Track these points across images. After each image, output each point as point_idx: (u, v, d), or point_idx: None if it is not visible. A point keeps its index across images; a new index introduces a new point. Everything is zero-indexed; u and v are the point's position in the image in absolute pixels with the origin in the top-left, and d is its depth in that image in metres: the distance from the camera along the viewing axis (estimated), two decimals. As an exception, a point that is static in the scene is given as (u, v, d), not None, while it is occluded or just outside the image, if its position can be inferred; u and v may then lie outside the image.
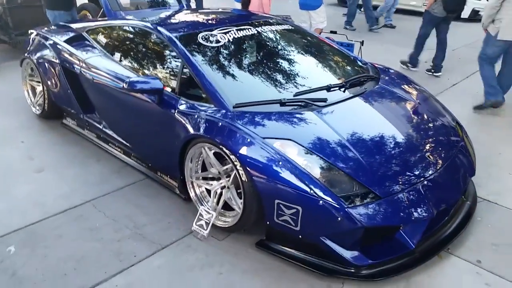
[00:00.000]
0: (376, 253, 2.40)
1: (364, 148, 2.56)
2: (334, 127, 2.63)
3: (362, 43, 4.43)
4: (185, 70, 3.00)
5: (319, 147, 2.49)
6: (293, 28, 3.73)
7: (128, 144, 3.45)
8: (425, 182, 2.51)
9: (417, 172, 2.55)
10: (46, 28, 4.51)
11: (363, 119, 2.82)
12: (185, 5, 4.47)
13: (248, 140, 2.47)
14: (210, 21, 3.66)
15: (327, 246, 2.34)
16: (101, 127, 3.72)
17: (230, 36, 3.28)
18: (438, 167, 2.64)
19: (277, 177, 2.35)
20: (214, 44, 3.19)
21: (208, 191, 2.87)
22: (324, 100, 2.83)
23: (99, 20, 4.20)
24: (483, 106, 4.76)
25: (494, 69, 4.78)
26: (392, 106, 3.03)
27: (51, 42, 4.08)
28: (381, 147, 2.62)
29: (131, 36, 3.63)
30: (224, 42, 3.22)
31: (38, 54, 4.14)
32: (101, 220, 2.90)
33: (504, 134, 4.36)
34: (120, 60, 3.51)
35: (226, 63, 3.12)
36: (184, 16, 3.94)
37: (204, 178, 2.87)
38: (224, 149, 2.53)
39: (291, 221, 2.37)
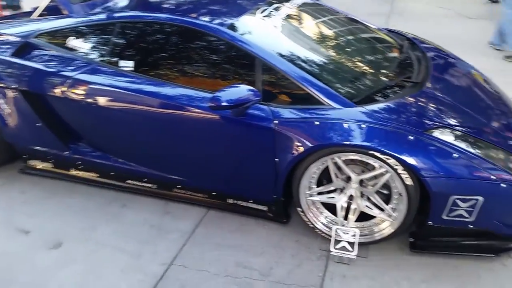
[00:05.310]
0: None
1: (492, 119, 2.51)
2: (457, 103, 2.49)
3: None
4: (265, 70, 2.38)
5: (465, 127, 2.31)
6: (313, 1, 3.31)
7: (174, 176, 2.67)
8: None
9: None
10: None
11: (461, 90, 2.76)
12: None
13: (411, 137, 2.13)
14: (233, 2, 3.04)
15: (499, 227, 2.25)
16: (110, 162, 2.79)
17: (279, 20, 2.73)
18: None
19: (454, 171, 2.10)
20: (276, 30, 2.64)
21: (328, 208, 2.45)
22: (414, 78, 2.64)
23: (50, 19, 3.01)
24: None
25: None
26: (459, 73, 3.01)
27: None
28: (496, 116, 2.61)
29: (142, 35, 2.68)
30: (282, 26, 2.69)
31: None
32: (214, 281, 2.22)
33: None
34: (139, 71, 2.60)
35: (307, 50, 2.59)
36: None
37: (320, 192, 2.43)
38: (377, 153, 2.14)
39: (466, 213, 2.18)
